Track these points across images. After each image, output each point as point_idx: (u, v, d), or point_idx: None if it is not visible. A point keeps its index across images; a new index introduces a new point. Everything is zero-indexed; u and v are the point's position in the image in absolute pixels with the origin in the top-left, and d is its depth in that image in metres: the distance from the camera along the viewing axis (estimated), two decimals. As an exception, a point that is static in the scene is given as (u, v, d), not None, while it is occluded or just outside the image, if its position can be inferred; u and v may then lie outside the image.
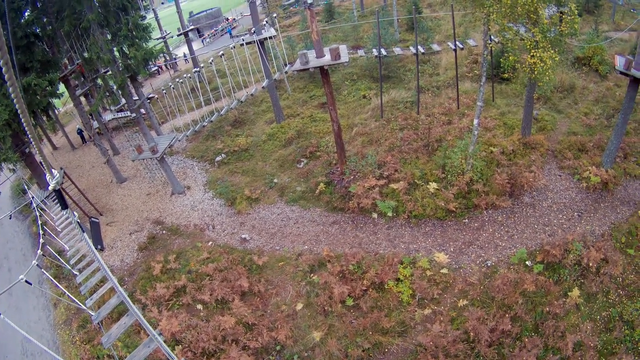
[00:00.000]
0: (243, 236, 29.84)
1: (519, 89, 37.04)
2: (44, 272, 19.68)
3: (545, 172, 28.57)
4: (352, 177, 29.97)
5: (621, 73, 24.96)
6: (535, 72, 22.65)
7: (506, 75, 36.19)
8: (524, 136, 30.76)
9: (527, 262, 23.45)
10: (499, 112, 34.90)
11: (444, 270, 23.95)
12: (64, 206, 7.13)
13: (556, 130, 32.33)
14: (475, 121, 26.43)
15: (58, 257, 24.99)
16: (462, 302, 22.23)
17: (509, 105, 35.87)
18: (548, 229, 25.17)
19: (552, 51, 22.21)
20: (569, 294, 21.67)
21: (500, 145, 30.05)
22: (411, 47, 38.72)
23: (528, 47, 22.70)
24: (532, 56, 22.41)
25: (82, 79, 40.28)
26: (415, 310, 22.52)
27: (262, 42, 34.80)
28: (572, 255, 22.75)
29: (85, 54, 31.57)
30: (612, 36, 42.08)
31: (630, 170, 27.74)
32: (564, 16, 22.77)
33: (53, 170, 6.55)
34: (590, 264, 22.31)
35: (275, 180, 33.86)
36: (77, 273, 20.24)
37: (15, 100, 4.71)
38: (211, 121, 35.83)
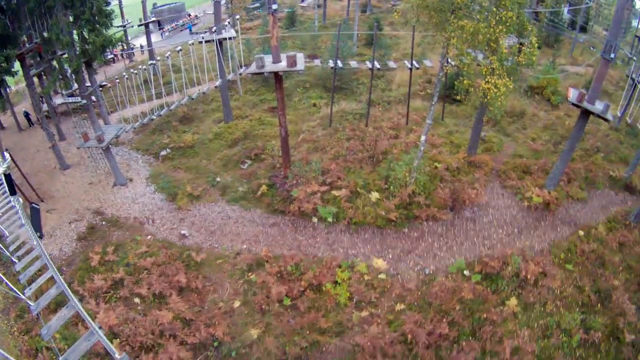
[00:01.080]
0: (182, 232, 29.44)
1: (469, 110, 37.83)
2: (-20, 260, 19.00)
3: (488, 190, 29.13)
4: (295, 182, 29.91)
5: (573, 104, 25.88)
6: (488, 97, 22.98)
7: (459, 97, 36.87)
8: (469, 155, 31.31)
9: (465, 272, 23.88)
10: (447, 130, 35.52)
11: (382, 276, 24.15)
12: (13, 192, 6.87)
13: (502, 152, 33.07)
14: (423, 137, 26.75)
15: (-4, 242, 24.25)
16: (400, 307, 22.45)
17: (458, 125, 36.53)
18: (487, 242, 25.74)
19: (507, 79, 22.61)
20: (507, 302, 22.19)
21: (445, 162, 30.53)
22: (367, 62, 39.03)
23: (484, 73, 23.04)
24: (487, 82, 22.75)
25: (39, 58, 39.35)
26: (353, 312, 22.64)
27: (220, 42, 34.80)
28: (511, 268, 23.34)
29: (45, 34, 30.80)
30: (568, 70, 43.50)
31: (573, 193, 28.75)
32: (523, 47, 23.28)
33: (5, 153, 6.32)
34: (529, 277, 22.97)
35: (218, 179, 33.55)
36: (16, 260, 19.57)
37: None
38: (160, 115, 35.36)
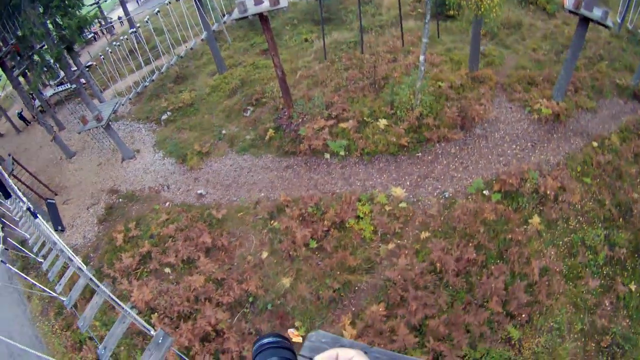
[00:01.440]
0: (199, 192, 29.44)
1: (465, 26, 36.98)
2: (9, 266, 19.08)
3: (496, 105, 28.71)
4: (300, 120, 29.79)
5: (570, 12, 25.11)
6: (482, 9, 22.57)
7: (452, 13, 36.12)
8: (471, 71, 30.78)
9: (484, 192, 23.76)
10: (445, 48, 34.86)
11: (403, 204, 24.07)
12: (6, 195, 6.72)
13: (504, 65, 32.42)
14: (422, 57, 26.23)
15: (21, 247, 24.38)
16: (425, 235, 22.47)
17: (455, 42, 35.83)
18: (502, 159, 25.49)
19: (498, -12, 22.13)
20: (530, 221, 22.08)
21: (448, 80, 30.01)
22: (352, -12, 38.39)
23: (474, -16, 22.55)
24: (479, -6, 22.29)
25: (18, 58, 38.90)
26: (379, 246, 22.71)
27: (197, -5, 34.02)
28: (529, 184, 23.14)
29: (19, 32, 30.31)
30: (562, -24, 42.42)
31: (581, 103, 28.22)
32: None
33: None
34: (548, 192, 22.75)
35: (224, 132, 33.34)
36: (42, 260, 19.65)
37: None
38: (152, 80, 35.15)
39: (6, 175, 21.08)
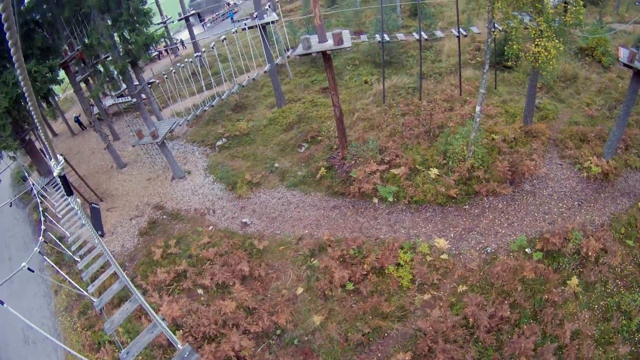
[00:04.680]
0: (244, 220, 29.85)
1: (522, 77, 36.98)
2: (46, 258, 19.59)
3: (547, 161, 28.47)
4: (353, 162, 29.96)
5: (625, 65, 24.78)
6: (539, 61, 22.61)
7: (509, 64, 36.03)
8: (525, 124, 30.59)
9: (526, 250, 23.53)
10: (501, 99, 34.79)
11: (444, 256, 24.04)
12: (69, 192, 7.06)
13: (558, 119, 32.14)
14: (478, 108, 26.35)
15: (59, 243, 25.04)
16: (462, 288, 22.36)
17: (511, 94, 35.73)
18: (548, 217, 25.17)
19: (556, 41, 22.12)
20: (568, 282, 21.76)
21: (501, 132, 29.94)
22: (414, 33, 38.61)
23: (532, 36, 22.64)
24: (537, 45, 22.34)
25: (83, 65, 40.10)
26: (415, 295, 22.64)
27: (264, 27, 34.77)
28: (572, 244, 22.80)
29: (86, 40, 31.34)
30: (615, 28, 41.91)
31: (631, 162, 27.70)
32: (568, 6, 22.61)
33: (58, 156, 6.49)
34: (590, 254, 22.34)
35: (276, 165, 33.77)
36: (79, 259, 20.17)
37: (24, 88, 4.67)
38: (212, 105, 35.75)
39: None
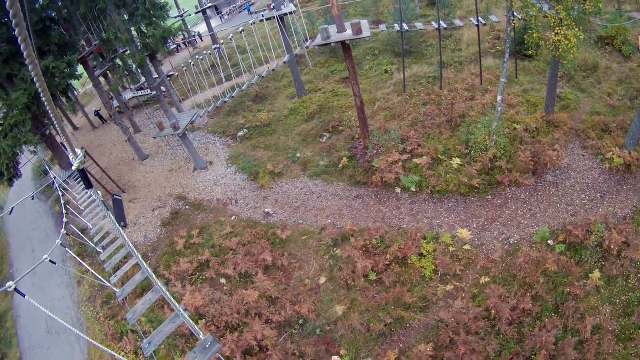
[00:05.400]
0: (266, 210, 30.11)
1: (542, 66, 36.72)
2: (68, 250, 19.87)
3: (569, 152, 28.35)
4: (375, 152, 30.03)
5: (644, 54, 24.65)
6: (560, 50, 22.54)
7: (530, 53, 35.85)
8: (547, 114, 30.45)
9: (549, 242, 23.47)
10: (522, 89, 34.62)
11: (467, 247, 24.08)
12: (89, 185, 7.22)
13: (579, 109, 31.92)
14: (499, 98, 26.29)
15: (81, 235, 25.35)
16: (484, 280, 22.41)
17: (532, 83, 35.53)
18: (571, 209, 25.09)
19: (576, 29, 22.03)
20: (590, 275, 21.70)
21: (523, 122, 29.83)
22: (433, 22, 38.46)
23: (552, 24, 22.57)
24: (557, 34, 22.27)
25: (101, 59, 40.50)
26: (438, 286, 22.73)
27: (282, 18, 34.88)
28: (594, 237, 22.68)
29: (103, 35, 31.55)
30: (635, 17, 41.45)
31: (654, 153, 27.45)
32: (587, -6, 22.50)
33: (76, 149, 6.65)
34: (612, 247, 22.20)
35: (298, 155, 34.00)
36: (101, 250, 20.41)
37: (36, 79, 4.81)
38: (232, 97, 35.91)
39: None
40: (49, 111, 5.20)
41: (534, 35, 23.48)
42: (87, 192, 25.52)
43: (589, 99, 33.10)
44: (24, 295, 9.22)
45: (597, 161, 27.41)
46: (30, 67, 4.50)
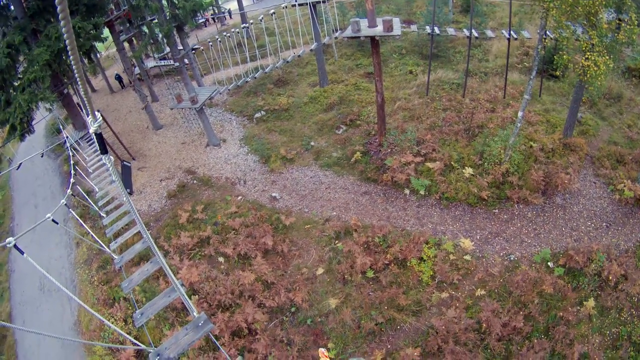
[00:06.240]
0: (273, 194, 30.21)
1: (567, 88, 36.56)
2: (71, 211, 19.93)
3: (581, 177, 28.26)
4: (389, 150, 30.04)
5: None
6: (588, 75, 22.40)
7: (557, 73, 35.63)
8: (565, 136, 30.33)
9: (549, 263, 23.44)
10: (544, 108, 34.50)
11: (467, 257, 24.09)
12: (104, 150, 7.23)
13: (597, 136, 31.76)
14: (520, 113, 26.25)
15: (87, 197, 25.52)
16: (480, 292, 22.43)
17: (555, 103, 35.42)
18: (575, 234, 25.02)
19: (607, 57, 21.90)
20: (585, 303, 21.65)
21: (540, 141, 29.72)
22: (464, 30, 38.38)
23: (583, 48, 22.42)
24: (587, 59, 22.13)
25: (128, 25, 40.54)
26: (433, 292, 22.75)
27: (314, 5, 34.68)
28: (594, 265, 22.64)
29: (133, 1, 31.58)
30: (666, 53, 41.18)
31: (665, 192, 27.27)
32: (622, 24, 22.33)
33: (96, 113, 6.63)
34: (610, 278, 22.17)
35: (312, 143, 34.07)
36: (104, 215, 20.38)
37: (68, 42, 4.82)
38: (255, 77, 35.79)
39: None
40: (75, 71, 5.19)
41: (564, 56, 23.33)
42: (98, 156, 25.56)
43: (608, 128, 32.92)
44: (22, 253, 9.23)
45: (607, 190, 27.28)
46: (62, 24, 4.50)
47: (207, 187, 31.89)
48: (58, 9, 4.30)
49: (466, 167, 28.12)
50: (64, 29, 4.56)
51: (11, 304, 27.66)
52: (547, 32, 29.25)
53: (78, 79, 5.39)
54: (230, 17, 65.91)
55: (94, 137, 7.03)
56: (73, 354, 23.83)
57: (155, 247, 9.57)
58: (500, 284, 22.78)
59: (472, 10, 36.68)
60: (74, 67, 5.17)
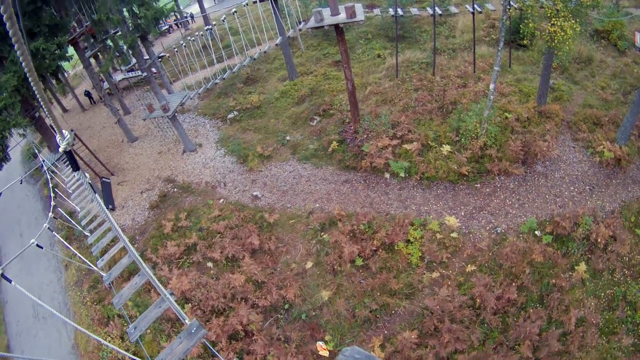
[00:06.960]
0: (255, 193, 29.97)
1: (536, 56, 36.50)
2: (55, 234, 19.81)
3: (559, 143, 28.26)
4: (365, 136, 29.87)
5: (640, 50, 24.52)
6: (555, 41, 22.40)
7: (524, 42, 35.66)
8: (539, 104, 30.37)
9: (536, 232, 23.50)
10: (515, 78, 34.50)
11: (454, 235, 24.03)
12: (76, 167, 7.07)
13: (572, 101, 31.80)
14: (492, 86, 26.16)
15: (69, 218, 25.22)
16: (470, 268, 22.42)
17: (526, 73, 35.42)
18: (559, 200, 25.07)
19: (572, 21, 21.89)
20: (576, 268, 21.73)
21: (515, 111, 29.69)
22: (428, 8, 38.29)
23: (548, 15, 22.41)
24: (553, 25, 22.12)
25: (92, 40, 40.17)
26: (424, 273, 22.71)
27: (275, 0, 34.42)
28: (582, 229, 22.74)
29: (95, 16, 31.24)
30: (633, 12, 41.31)
31: (644, 149, 27.41)
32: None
33: (63, 131, 6.50)
34: (599, 240, 22.30)
35: (288, 138, 33.82)
36: (89, 234, 20.12)
37: (24, 64, 4.64)
38: (223, 78, 35.62)
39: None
40: (36, 93, 5.04)
41: (530, 25, 23.35)
42: (74, 175, 25.32)
43: (582, 92, 33.01)
44: (10, 281, 9.04)
45: (587, 154, 27.36)
46: (18, 53, 4.32)
47: (188, 194, 31.59)
48: (10, 32, 4.12)
49: (443, 145, 28.01)
50: (18, 50, 4.40)
51: (7, 336, 27.39)
52: (511, 2, 29.15)
53: (40, 99, 5.24)
54: (194, 21, 65.67)
55: (65, 155, 6.88)
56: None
57: (139, 259, 9.42)
58: (490, 257, 22.75)
59: (434, -12, 36.59)
60: (34, 88, 5.03)
